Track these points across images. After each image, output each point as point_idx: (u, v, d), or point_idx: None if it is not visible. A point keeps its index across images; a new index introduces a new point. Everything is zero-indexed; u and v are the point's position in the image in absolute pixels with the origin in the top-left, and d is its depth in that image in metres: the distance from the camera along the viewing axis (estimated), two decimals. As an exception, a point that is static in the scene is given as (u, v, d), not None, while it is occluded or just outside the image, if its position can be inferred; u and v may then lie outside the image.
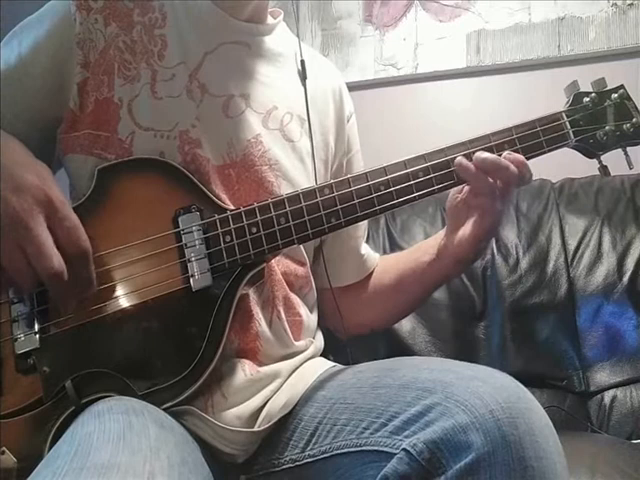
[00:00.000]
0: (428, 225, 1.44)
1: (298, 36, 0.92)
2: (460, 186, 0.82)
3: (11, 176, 0.65)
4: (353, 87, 1.44)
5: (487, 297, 1.36)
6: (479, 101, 1.70)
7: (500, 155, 0.78)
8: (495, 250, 1.36)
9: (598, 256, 1.32)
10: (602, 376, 1.27)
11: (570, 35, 1.63)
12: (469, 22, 1.73)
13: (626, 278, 1.29)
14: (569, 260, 1.34)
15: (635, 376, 1.25)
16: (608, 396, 1.26)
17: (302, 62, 0.90)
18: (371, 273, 0.99)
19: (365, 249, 1.00)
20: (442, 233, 0.88)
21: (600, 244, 1.33)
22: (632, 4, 1.57)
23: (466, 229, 0.82)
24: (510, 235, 1.37)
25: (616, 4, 1.59)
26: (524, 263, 1.34)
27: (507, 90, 1.69)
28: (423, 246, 0.93)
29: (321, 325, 0.96)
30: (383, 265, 1.00)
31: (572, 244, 1.35)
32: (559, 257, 1.34)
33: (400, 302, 0.96)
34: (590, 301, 1.30)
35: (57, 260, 0.64)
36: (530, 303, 1.32)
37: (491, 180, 0.78)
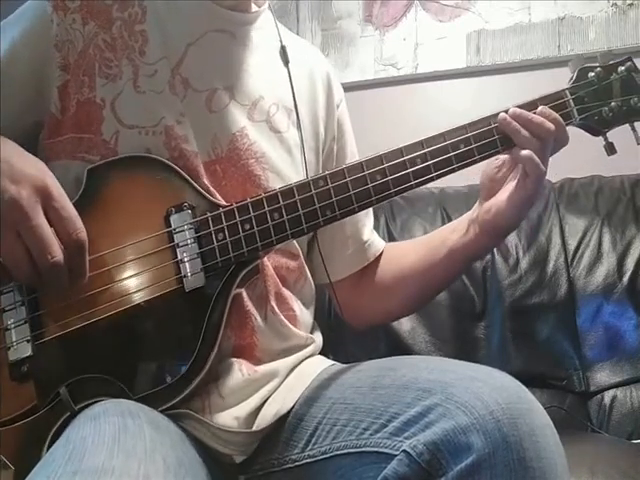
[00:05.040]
0: (428, 225, 1.44)
1: (276, 25, 0.90)
2: (498, 157, 0.81)
3: (10, 167, 0.65)
4: (353, 87, 1.44)
5: (487, 297, 1.36)
6: (479, 101, 1.70)
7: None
8: (495, 250, 1.36)
9: (598, 256, 1.32)
10: (602, 376, 1.28)
11: (570, 35, 1.63)
12: (469, 22, 1.73)
13: (626, 278, 1.29)
14: (569, 260, 1.34)
15: (635, 376, 1.25)
16: (608, 396, 1.26)
17: (283, 47, 0.88)
18: (379, 260, 0.96)
19: (369, 235, 0.97)
20: (467, 214, 0.87)
21: (600, 244, 1.33)
22: (632, 4, 1.57)
23: (503, 195, 0.80)
24: (510, 235, 1.36)
25: (616, 4, 1.59)
26: (524, 263, 1.34)
27: (507, 90, 1.69)
28: (448, 227, 0.91)
29: (320, 324, 0.96)
30: (401, 250, 0.98)
31: (572, 244, 1.35)
32: (559, 257, 1.34)
33: (426, 285, 0.92)
34: (590, 301, 1.30)
35: (57, 250, 0.64)
36: (530, 303, 1.32)
37: (529, 135, 0.77)
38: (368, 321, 1.00)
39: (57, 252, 0.64)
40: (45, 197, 0.65)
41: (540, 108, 0.79)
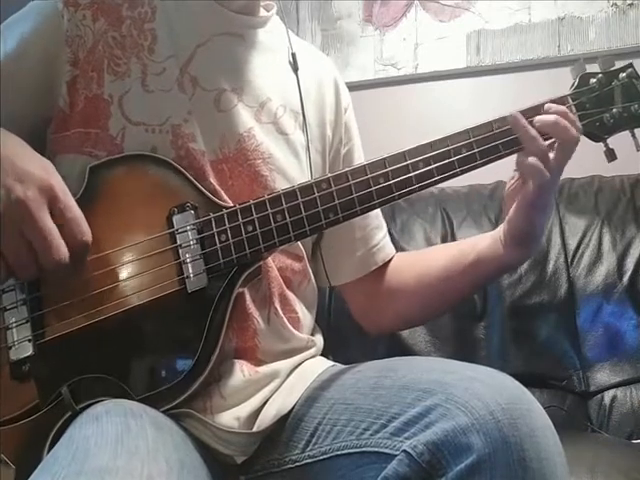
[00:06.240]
0: (428, 225, 1.45)
1: (286, 29, 0.90)
2: (516, 174, 0.81)
3: (15, 167, 0.65)
4: (353, 87, 1.43)
5: (487, 297, 1.37)
6: (479, 101, 1.70)
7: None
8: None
9: (598, 256, 1.33)
10: (602, 376, 1.28)
11: (570, 35, 1.63)
12: (469, 22, 1.73)
13: (626, 278, 1.29)
14: (569, 260, 1.34)
15: (635, 376, 1.26)
16: (608, 396, 1.27)
17: (293, 55, 0.89)
18: (397, 265, 0.95)
19: (379, 240, 0.96)
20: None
21: (600, 244, 1.33)
22: (632, 4, 1.57)
23: (514, 203, 0.80)
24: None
25: (616, 4, 1.59)
26: (524, 263, 1.34)
27: (507, 90, 1.69)
28: (480, 235, 0.90)
29: (320, 325, 0.96)
30: (427, 253, 0.98)
31: (572, 244, 1.35)
32: (559, 257, 1.34)
33: (450, 289, 0.90)
34: (590, 301, 1.30)
35: (63, 250, 0.64)
36: (530, 303, 1.33)
37: (537, 135, 0.77)
38: (386, 327, 1.00)
39: (64, 252, 0.65)
40: (51, 198, 0.65)
41: (547, 105, 0.79)
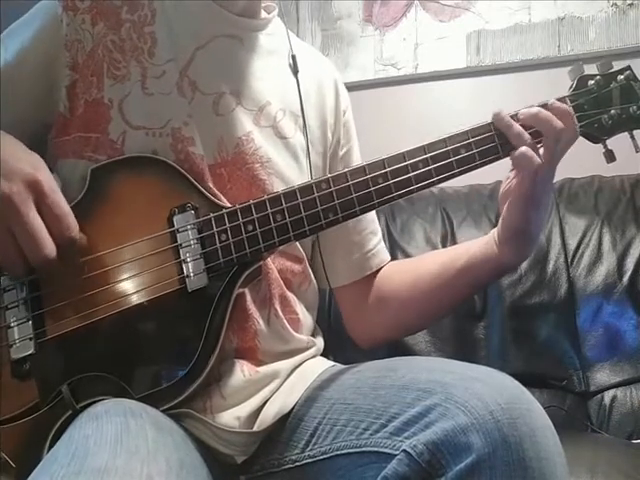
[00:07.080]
0: (428, 225, 1.45)
1: (287, 31, 0.91)
2: (509, 175, 0.81)
3: (3, 162, 0.65)
4: (353, 87, 1.44)
5: (487, 297, 1.37)
6: (479, 101, 1.70)
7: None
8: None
9: (598, 256, 1.33)
10: (602, 376, 1.28)
11: (570, 35, 1.63)
12: (469, 22, 1.73)
13: (626, 278, 1.29)
14: (569, 260, 1.34)
15: (635, 376, 1.26)
16: (608, 396, 1.26)
17: (293, 57, 0.89)
18: (388, 274, 0.95)
19: (374, 244, 0.96)
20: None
21: (600, 244, 1.33)
22: (632, 4, 1.57)
23: (507, 202, 0.80)
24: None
25: (616, 4, 1.59)
26: (524, 263, 1.34)
27: (507, 90, 1.69)
28: (470, 242, 0.89)
29: (320, 325, 0.96)
30: (419, 261, 0.97)
31: (572, 244, 1.35)
32: (559, 257, 1.34)
33: (443, 296, 0.89)
34: (590, 301, 1.30)
35: (50, 247, 0.65)
36: (530, 303, 1.33)
37: (521, 131, 0.77)
38: (380, 336, 0.97)
39: (49, 248, 0.65)
40: (37, 193, 0.66)
41: (551, 102, 0.79)
